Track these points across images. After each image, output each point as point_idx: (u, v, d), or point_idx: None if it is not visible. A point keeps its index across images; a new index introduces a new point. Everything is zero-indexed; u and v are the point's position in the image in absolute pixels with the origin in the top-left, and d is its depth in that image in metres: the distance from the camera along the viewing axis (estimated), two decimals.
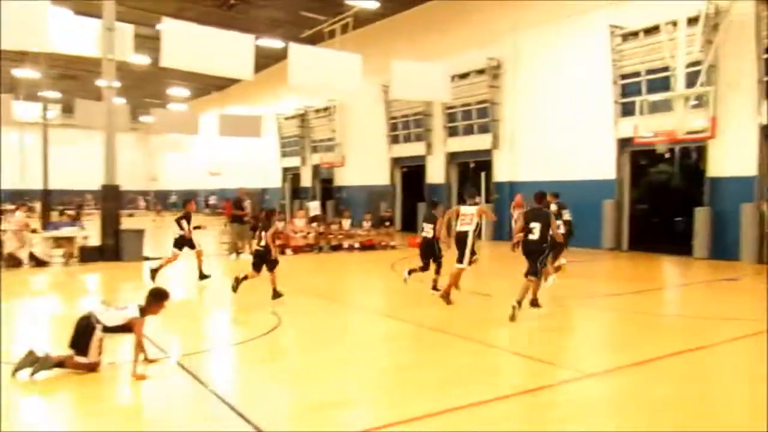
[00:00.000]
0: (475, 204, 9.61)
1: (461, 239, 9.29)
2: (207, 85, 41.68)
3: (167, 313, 6.12)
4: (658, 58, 16.15)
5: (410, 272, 10.52)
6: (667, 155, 16.61)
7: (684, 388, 5.44)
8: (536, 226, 8.40)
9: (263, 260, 9.60)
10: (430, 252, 10.28)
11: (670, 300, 11.09)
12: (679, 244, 16.52)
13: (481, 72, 21.96)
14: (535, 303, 8.69)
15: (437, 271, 10.25)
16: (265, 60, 32.46)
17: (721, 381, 5.90)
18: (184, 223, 11.90)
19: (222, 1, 25.35)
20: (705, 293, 11.22)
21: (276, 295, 9.41)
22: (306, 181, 34.14)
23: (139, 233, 15.35)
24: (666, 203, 18.69)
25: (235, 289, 9.69)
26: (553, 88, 19.73)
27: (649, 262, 15.54)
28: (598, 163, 18.18)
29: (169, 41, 12.78)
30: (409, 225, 25.94)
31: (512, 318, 7.87)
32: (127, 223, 16.87)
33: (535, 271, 8.40)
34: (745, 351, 6.93)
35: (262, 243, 9.60)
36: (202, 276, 11.74)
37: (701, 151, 16.10)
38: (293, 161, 35.17)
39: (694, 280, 12.91)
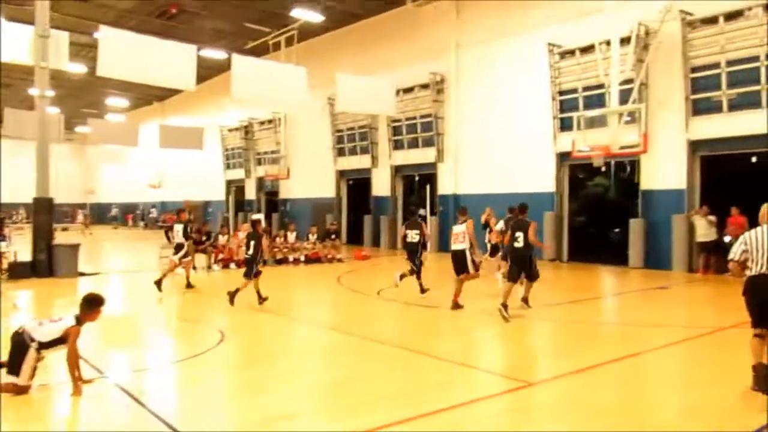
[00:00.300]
0: (464, 222, 10.19)
1: (457, 257, 10.07)
2: (147, 96, 40.67)
3: (108, 330, 5.91)
4: (594, 76, 16.81)
5: (401, 277, 11.31)
6: (603, 169, 17.26)
7: (622, 393, 5.63)
8: (520, 236, 9.29)
9: (252, 265, 10.32)
10: (415, 255, 11.27)
11: (608, 309, 11.47)
12: (615, 255, 17.13)
13: (425, 86, 22.29)
14: (525, 301, 9.80)
15: (418, 276, 11.25)
16: (209, 71, 32.06)
17: (655, 385, 6.14)
18: (178, 229, 12.71)
19: (163, 11, 24.84)
20: (639, 302, 11.67)
21: (261, 300, 10.21)
22: (250, 193, 33.67)
23: (74, 248, 14.76)
24: (603, 215, 19.37)
25: (232, 302, 10.11)
26: (496, 103, 20.23)
27: (588, 273, 16.05)
28: (539, 176, 18.70)
29: (107, 50, 12.42)
30: (356, 238, 25.95)
31: (506, 319, 8.74)
32: (61, 237, 16.22)
33: (530, 275, 9.56)
34: (676, 356, 7.25)
35: (251, 251, 10.27)
36: (189, 285, 12.51)
37: (635, 165, 16.80)
38: (237, 173, 34.66)
39: (629, 289, 13.40)
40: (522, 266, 9.40)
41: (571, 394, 5.60)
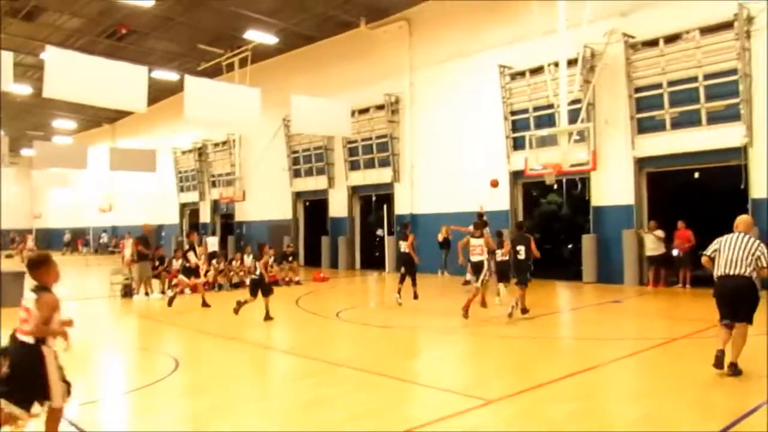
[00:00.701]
0: (481, 236, 11.50)
1: (478, 267, 11.37)
2: (97, 117, 39.74)
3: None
4: (543, 96, 17.28)
5: (399, 291, 12.63)
6: (555, 186, 17.68)
7: (579, 407, 5.70)
8: (522, 248, 10.79)
9: (257, 287, 11.19)
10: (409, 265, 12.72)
11: (564, 323, 11.66)
12: (569, 270, 17.48)
13: (380, 107, 22.48)
14: (525, 310, 10.85)
15: (414, 283, 12.64)
16: (161, 92, 31.60)
17: (611, 397, 6.25)
18: (191, 255, 13.55)
19: (113, 31, 24.41)
20: (594, 316, 11.91)
21: (267, 317, 10.98)
22: (205, 216, 33.10)
23: (19, 276, 14.15)
24: (557, 232, 19.80)
25: (237, 311, 11.06)
26: (450, 123, 20.53)
27: (543, 289, 16.26)
28: (494, 194, 18.92)
29: (53, 71, 12.06)
30: (313, 259, 25.75)
31: (510, 315, 10.55)
32: (5, 264, 15.56)
33: (524, 281, 10.81)
34: (630, 368, 7.41)
35: (258, 272, 11.34)
36: (205, 304, 13.09)
37: (585, 182, 17.26)
38: (191, 196, 34.05)
39: (584, 303, 13.68)
40: (522, 274, 10.89)
41: (528, 410, 5.64)
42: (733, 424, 4.99)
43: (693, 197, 17.33)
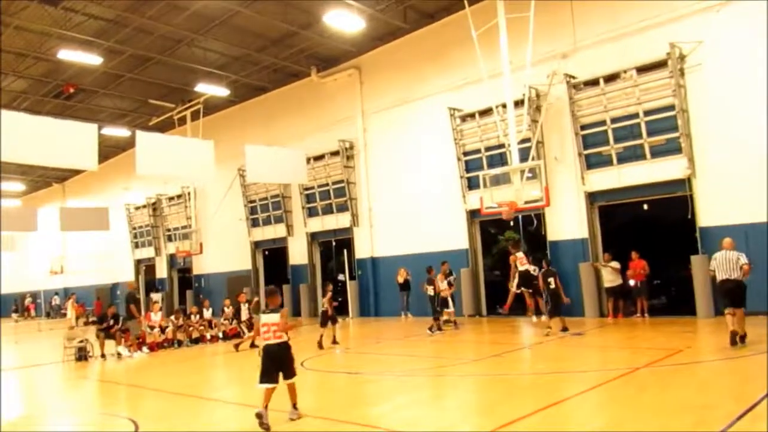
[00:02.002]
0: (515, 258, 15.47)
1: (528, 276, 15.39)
2: (45, 178, 38.84)
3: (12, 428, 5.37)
4: (494, 137, 17.75)
5: (431, 328, 14.88)
6: (512, 223, 17.98)
7: None
8: (551, 280, 13.53)
9: (326, 318, 13.91)
10: (434, 304, 15.43)
11: (528, 359, 11.69)
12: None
13: (335, 153, 22.66)
14: (565, 329, 13.30)
15: (436, 318, 15.25)
16: (112, 149, 31.24)
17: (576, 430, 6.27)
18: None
19: (59, 91, 24.13)
20: (557, 350, 11.99)
21: (335, 342, 14.08)
22: (162, 272, 32.34)
23: None
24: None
25: (320, 345, 13.48)
26: (405, 166, 20.83)
27: (506, 326, 16.38)
28: (452, 234, 19.20)
29: None
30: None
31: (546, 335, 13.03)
32: None
33: (558, 312, 13.51)
34: (595, 400, 7.46)
35: (325, 306, 14.11)
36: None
37: (540, 218, 17.62)
38: (147, 252, 33.30)
39: (545, 338, 13.78)
40: (556, 302, 13.48)
41: None
42: None
43: (644, 228, 17.86)
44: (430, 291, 15.57)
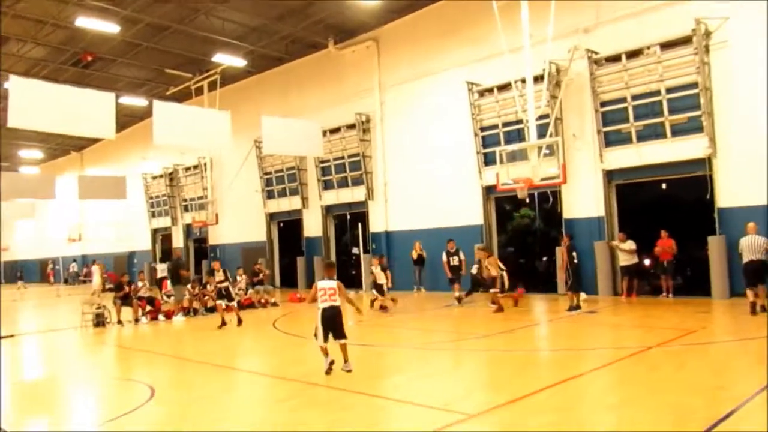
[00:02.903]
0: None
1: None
2: (64, 146, 39.17)
3: (28, 394, 5.51)
4: (512, 112, 17.55)
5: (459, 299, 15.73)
6: (527, 200, 17.86)
7: (557, 418, 5.73)
8: (574, 254, 13.79)
9: (378, 288, 15.35)
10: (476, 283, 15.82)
11: (540, 336, 11.73)
12: (544, 283, 17.63)
13: (351, 126, 22.57)
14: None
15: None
16: (129, 118, 31.35)
17: (588, 408, 6.29)
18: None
19: (77, 59, 24.18)
20: (570, 327, 12.01)
21: (383, 309, 15.13)
22: (178, 241, 32.69)
23: None
24: (530, 245, 19.99)
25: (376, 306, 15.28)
26: (422, 140, 20.71)
27: (519, 301, 16.38)
28: (467, 210, 19.15)
29: (18, 100, 11.90)
30: (289, 280, 25.59)
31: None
32: None
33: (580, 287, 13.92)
34: (607, 378, 7.48)
35: (382, 280, 15.33)
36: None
37: (556, 195, 17.51)
38: (163, 221, 33.65)
39: (559, 316, 13.78)
40: (578, 276, 13.98)
41: (508, 424, 5.66)
42: (708, 430, 5.06)
43: (661, 208, 17.67)
44: (474, 270, 15.82)
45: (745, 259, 11.55)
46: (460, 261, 16.30)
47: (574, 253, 13.75)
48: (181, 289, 16.69)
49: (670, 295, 15.12)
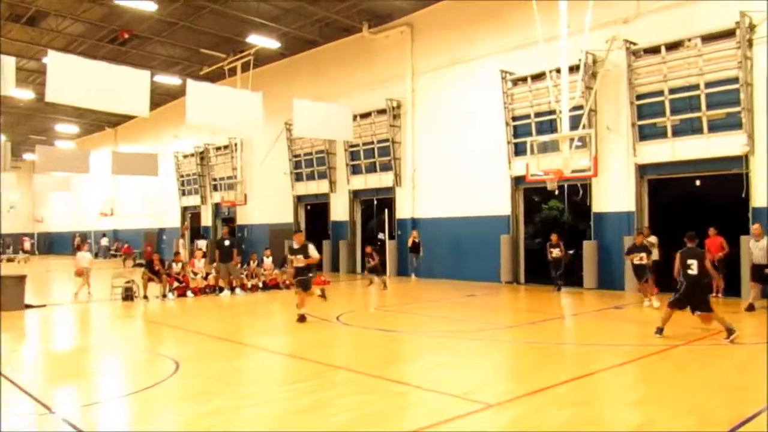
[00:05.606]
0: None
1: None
2: (99, 122, 39.86)
3: (56, 363, 5.68)
4: (545, 102, 17.31)
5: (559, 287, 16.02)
6: (556, 192, 17.65)
7: (577, 412, 5.70)
8: (693, 263, 9.23)
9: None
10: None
11: (564, 329, 11.64)
12: (570, 276, 17.44)
13: (382, 112, 22.52)
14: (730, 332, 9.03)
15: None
16: (163, 97, 31.72)
17: (609, 404, 6.24)
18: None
19: (114, 36, 24.52)
20: (593, 322, 11.90)
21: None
22: (207, 220, 33.15)
23: (20, 280, 14.19)
24: (558, 237, 19.74)
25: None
26: (452, 128, 20.57)
27: (544, 294, 16.27)
28: (495, 199, 19.01)
29: (55, 75, 12.13)
30: None
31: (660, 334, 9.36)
32: (6, 269, 15.59)
33: (707, 307, 9.21)
34: (630, 374, 7.40)
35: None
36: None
37: (587, 188, 17.26)
38: (193, 200, 34.13)
39: (584, 309, 13.66)
40: (694, 293, 9.25)
41: (528, 415, 5.64)
42: (731, 431, 4.99)
43: (694, 205, 17.28)
44: (555, 253, 16.09)
45: (758, 262, 11.84)
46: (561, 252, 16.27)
47: (691, 261, 9.47)
48: (222, 267, 16.98)
49: (720, 294, 14.19)
